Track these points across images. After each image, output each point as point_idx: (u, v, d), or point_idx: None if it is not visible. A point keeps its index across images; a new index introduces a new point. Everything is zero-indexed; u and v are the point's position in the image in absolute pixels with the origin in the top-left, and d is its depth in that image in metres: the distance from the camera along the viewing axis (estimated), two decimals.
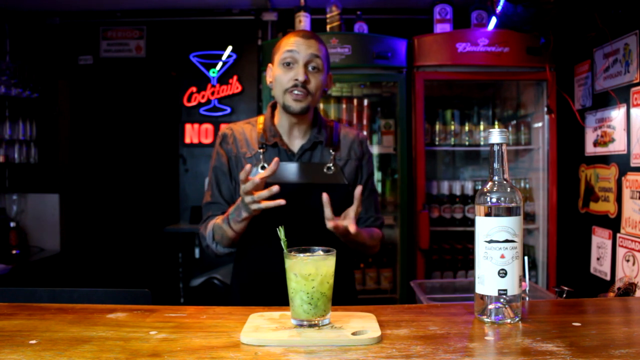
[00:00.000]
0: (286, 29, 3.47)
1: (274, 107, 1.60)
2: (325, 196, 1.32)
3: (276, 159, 1.31)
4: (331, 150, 1.56)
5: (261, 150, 1.53)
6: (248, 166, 1.28)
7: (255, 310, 1.03)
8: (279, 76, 1.49)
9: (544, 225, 3.22)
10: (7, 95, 3.42)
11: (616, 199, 2.52)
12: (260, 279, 1.50)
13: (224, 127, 1.62)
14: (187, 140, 3.85)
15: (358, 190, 1.34)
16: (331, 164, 1.53)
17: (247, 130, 1.59)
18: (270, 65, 1.56)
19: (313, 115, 1.58)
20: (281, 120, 1.55)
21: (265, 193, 1.29)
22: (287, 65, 1.47)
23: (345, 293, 1.59)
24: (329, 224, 1.32)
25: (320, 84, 1.50)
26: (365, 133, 3.32)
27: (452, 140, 3.43)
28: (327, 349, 0.82)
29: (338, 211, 1.45)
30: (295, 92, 1.46)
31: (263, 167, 1.50)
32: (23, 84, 3.52)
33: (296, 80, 1.45)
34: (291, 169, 1.50)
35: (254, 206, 1.30)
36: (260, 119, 1.61)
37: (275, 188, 1.28)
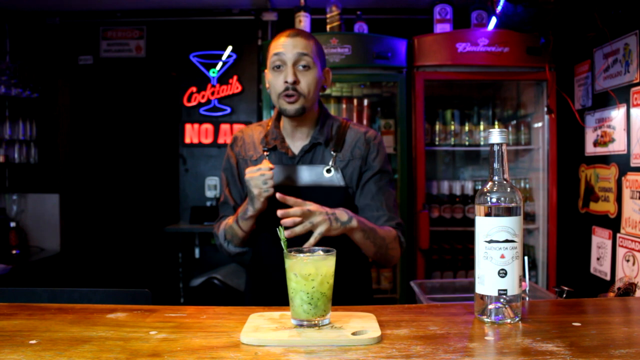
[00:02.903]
0: (286, 29, 3.47)
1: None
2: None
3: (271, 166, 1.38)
4: (332, 152, 1.52)
5: (265, 154, 1.54)
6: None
7: (255, 310, 1.03)
8: (271, 80, 1.47)
9: (544, 225, 3.22)
10: (7, 95, 3.42)
11: (616, 199, 2.52)
12: (274, 283, 1.49)
13: (237, 130, 1.67)
14: (187, 140, 3.85)
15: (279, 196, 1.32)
16: (329, 166, 1.50)
17: (257, 132, 1.59)
18: (266, 70, 1.54)
19: (318, 115, 1.55)
20: (285, 123, 1.55)
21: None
22: (277, 68, 1.45)
23: (361, 293, 1.57)
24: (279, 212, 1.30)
25: (313, 82, 1.45)
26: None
27: (452, 140, 3.43)
28: (327, 349, 0.82)
29: None
30: (286, 95, 1.44)
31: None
32: (23, 84, 3.52)
33: (286, 82, 1.43)
34: (289, 172, 1.50)
35: (263, 193, 1.37)
36: (271, 121, 1.61)
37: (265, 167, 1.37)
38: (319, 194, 1.46)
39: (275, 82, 1.46)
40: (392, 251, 1.48)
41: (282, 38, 1.47)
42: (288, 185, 1.48)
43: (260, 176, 1.35)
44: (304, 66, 1.44)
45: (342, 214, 1.35)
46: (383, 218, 1.50)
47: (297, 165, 1.51)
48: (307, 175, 1.50)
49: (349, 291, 1.47)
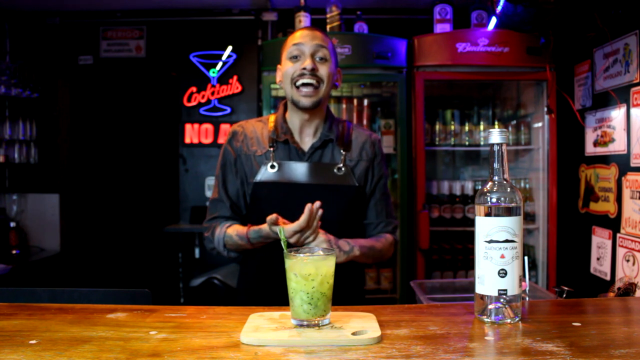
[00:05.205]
0: (286, 29, 3.47)
1: (286, 105, 1.59)
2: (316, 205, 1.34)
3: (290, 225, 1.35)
4: (342, 150, 1.53)
5: (271, 149, 1.52)
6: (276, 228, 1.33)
7: (255, 310, 1.03)
8: (287, 69, 1.48)
9: (544, 225, 3.22)
10: (7, 95, 3.43)
11: (616, 199, 2.52)
12: (267, 280, 1.50)
13: (235, 125, 1.61)
14: (187, 140, 3.85)
15: (307, 207, 1.32)
16: (341, 165, 1.51)
17: (259, 128, 1.58)
18: (279, 66, 1.55)
19: (325, 113, 1.57)
20: (292, 118, 1.54)
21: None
22: (295, 58, 1.47)
23: (353, 293, 1.58)
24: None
25: (330, 74, 1.48)
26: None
27: (452, 140, 3.43)
28: (327, 349, 0.82)
29: (347, 212, 1.47)
30: (303, 81, 1.44)
31: (272, 166, 1.50)
32: (23, 84, 3.52)
33: (303, 69, 1.44)
34: (301, 169, 1.49)
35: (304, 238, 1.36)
36: (272, 117, 1.60)
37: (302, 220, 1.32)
38: (329, 192, 1.46)
39: (290, 69, 1.47)
40: (386, 254, 1.58)
41: (300, 31, 1.51)
42: (299, 183, 1.48)
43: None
44: (321, 58, 1.48)
45: (344, 244, 1.42)
46: (382, 224, 1.60)
47: (307, 162, 1.51)
48: (318, 173, 1.50)
49: (342, 291, 1.47)
